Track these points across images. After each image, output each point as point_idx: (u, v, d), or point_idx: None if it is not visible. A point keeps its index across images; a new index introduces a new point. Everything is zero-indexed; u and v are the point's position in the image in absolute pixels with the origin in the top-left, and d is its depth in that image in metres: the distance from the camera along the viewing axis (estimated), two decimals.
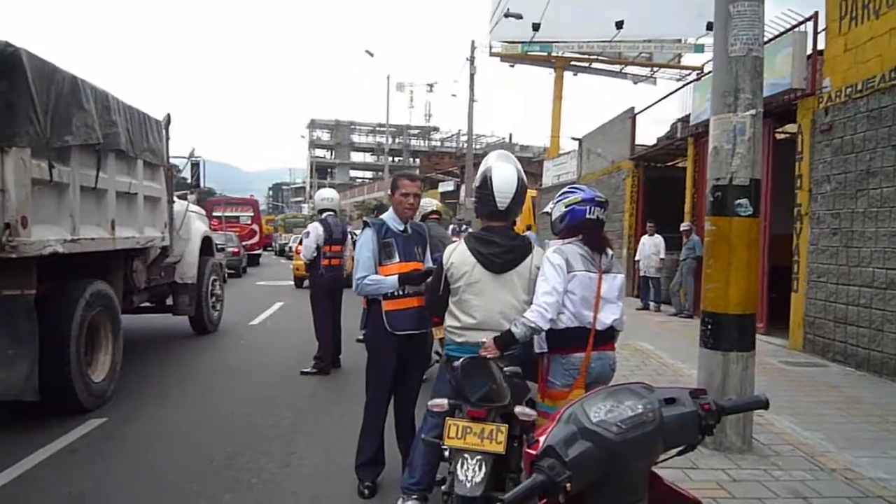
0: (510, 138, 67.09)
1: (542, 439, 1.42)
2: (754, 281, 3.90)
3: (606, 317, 3.12)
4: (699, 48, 28.79)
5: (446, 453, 2.88)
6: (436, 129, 78.66)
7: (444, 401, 2.91)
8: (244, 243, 24.19)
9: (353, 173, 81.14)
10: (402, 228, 3.85)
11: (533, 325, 2.94)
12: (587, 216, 3.18)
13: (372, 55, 34.35)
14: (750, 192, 3.77)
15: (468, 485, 2.64)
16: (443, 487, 2.88)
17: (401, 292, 3.70)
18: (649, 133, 15.35)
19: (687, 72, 28.94)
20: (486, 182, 3.17)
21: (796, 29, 9.00)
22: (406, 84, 65.65)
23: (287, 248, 32.06)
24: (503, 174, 3.18)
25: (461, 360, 2.84)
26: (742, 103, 3.75)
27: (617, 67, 32.12)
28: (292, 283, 17.26)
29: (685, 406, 1.52)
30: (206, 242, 9.70)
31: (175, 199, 8.28)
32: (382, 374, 3.79)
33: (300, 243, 17.63)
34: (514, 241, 3.21)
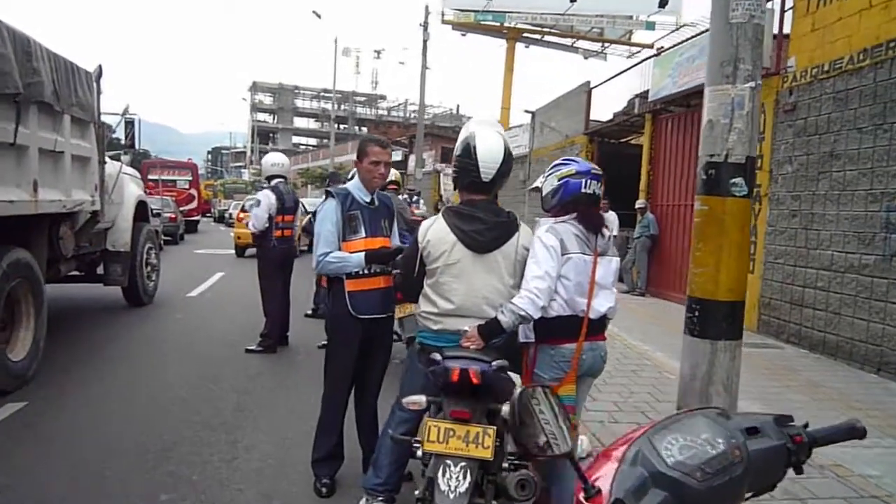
0: (457, 109, 66.59)
1: (604, 487, 1.09)
2: (745, 265, 3.66)
3: (600, 304, 2.82)
4: (650, 25, 28.90)
5: (417, 451, 2.54)
6: (383, 98, 77.54)
7: (422, 398, 2.56)
8: (182, 209, 23.16)
9: (296, 139, 79.23)
10: (368, 200, 3.45)
11: (522, 312, 2.61)
12: (582, 190, 2.86)
13: (319, 17, 33.10)
14: (746, 170, 3.50)
15: (451, 495, 2.31)
16: (416, 493, 2.54)
17: (366, 271, 3.31)
18: (602, 108, 15.18)
19: (637, 49, 29.02)
20: (469, 150, 2.80)
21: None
22: (353, 49, 64.34)
23: (227, 215, 31.00)
24: (488, 142, 2.81)
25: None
26: (741, 74, 3.45)
27: (569, 41, 31.93)
28: (233, 251, 16.53)
29: (772, 438, 1.21)
30: (141, 207, 9.00)
31: (107, 159, 7.59)
32: (344, 362, 3.40)
33: (242, 210, 17.10)
34: (499, 217, 2.85)
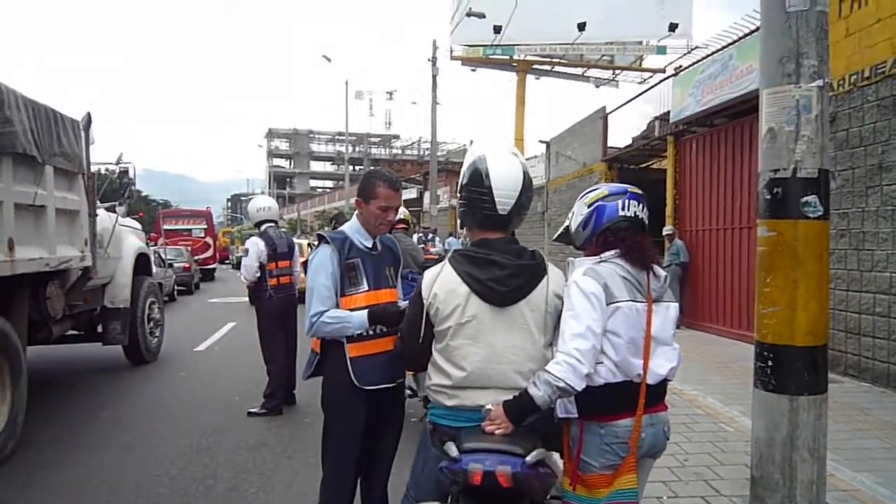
0: (471, 144, 66.53)
1: None
2: (825, 302, 3.02)
3: (660, 365, 2.20)
4: (661, 50, 28.50)
5: None
6: (396, 137, 78.06)
7: None
8: (196, 258, 22.87)
9: (312, 183, 79.88)
10: (370, 245, 2.88)
11: (561, 384, 2.00)
12: (620, 213, 2.26)
13: (329, 60, 33.21)
14: (819, 186, 2.90)
15: None
16: None
17: (370, 332, 2.72)
18: (617, 135, 14.58)
19: (649, 74, 28.60)
20: (479, 177, 2.21)
21: None
22: (365, 92, 64.84)
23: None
24: (505, 167, 2.23)
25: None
26: (806, 72, 2.88)
27: (579, 70, 31.64)
28: (247, 299, 16.03)
29: None
30: (142, 260, 8.54)
31: (101, 211, 7.15)
32: (348, 442, 2.79)
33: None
34: (522, 259, 2.24)
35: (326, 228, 7.37)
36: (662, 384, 2.23)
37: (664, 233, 11.12)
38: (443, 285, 2.21)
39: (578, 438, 2.19)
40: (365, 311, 2.71)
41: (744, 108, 9.21)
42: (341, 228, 2.97)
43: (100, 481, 4.30)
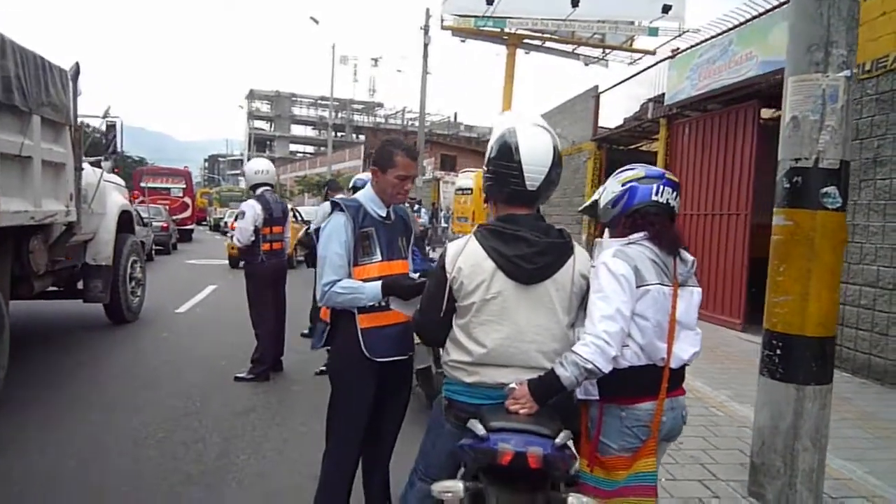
0: (455, 117, 66.07)
1: None
2: (837, 294, 3.03)
3: (683, 350, 2.18)
4: (653, 31, 28.29)
5: None
6: (380, 105, 77.21)
7: (458, 486, 1.92)
8: (175, 217, 22.49)
9: (293, 147, 78.90)
10: (384, 214, 2.81)
11: (590, 365, 1.97)
12: (653, 197, 2.22)
13: (317, 22, 32.55)
14: (840, 177, 2.89)
15: None
16: None
17: (382, 303, 2.66)
18: (606, 115, 14.53)
19: (639, 56, 28.48)
20: (509, 151, 2.15)
21: None
22: (350, 57, 63.89)
23: (222, 224, 30.40)
24: (535, 142, 2.17)
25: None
26: (834, 61, 2.86)
27: (570, 47, 31.37)
28: (227, 262, 15.87)
29: None
30: (125, 217, 8.34)
31: (85, 166, 6.94)
32: (356, 414, 2.75)
33: (236, 219, 16.38)
34: (550, 236, 2.18)
35: (329, 194, 7.19)
36: (682, 368, 2.22)
37: None
38: (468, 260, 2.15)
39: (598, 420, 2.18)
40: (378, 282, 2.65)
41: (739, 95, 9.19)
42: (355, 196, 2.89)
43: (83, 441, 4.23)
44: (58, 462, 3.88)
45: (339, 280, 2.64)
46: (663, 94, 11.32)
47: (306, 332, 7.45)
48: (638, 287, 2.08)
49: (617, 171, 2.34)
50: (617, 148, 14.61)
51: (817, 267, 2.88)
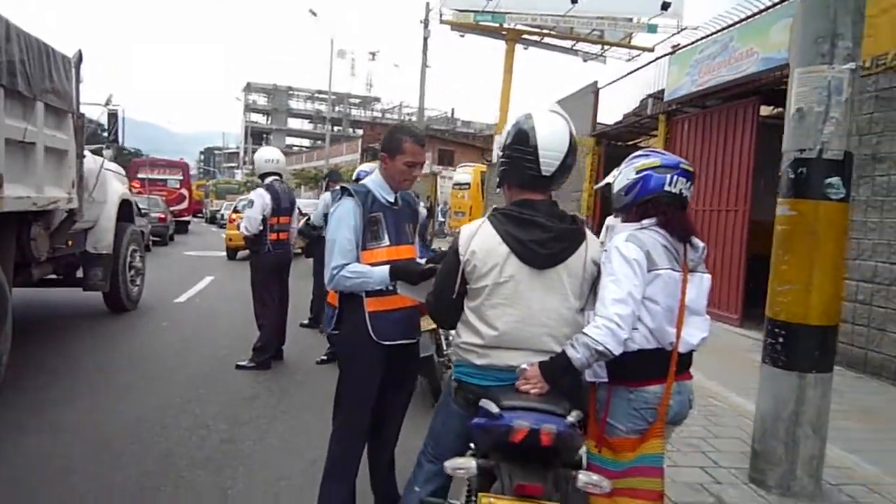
0: (453, 113, 66.00)
1: None
2: (840, 284, 3.08)
3: (692, 335, 2.21)
4: (652, 28, 28.29)
5: None
6: (377, 100, 77.06)
7: (471, 463, 1.95)
8: (172, 209, 22.44)
9: (289, 140, 78.66)
10: (391, 200, 2.84)
11: (601, 347, 2.00)
12: (666, 188, 2.25)
13: (315, 14, 32.47)
14: (844, 168, 2.93)
15: None
16: None
17: (390, 287, 2.69)
18: (604, 111, 14.55)
19: (637, 52, 28.51)
20: (525, 136, 2.17)
21: None
22: (348, 51, 63.71)
23: (219, 216, 30.37)
24: (551, 127, 2.20)
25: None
26: (840, 53, 2.89)
27: (568, 43, 31.37)
28: (224, 254, 15.87)
29: None
30: (126, 206, 8.35)
31: (87, 154, 6.95)
32: (362, 397, 2.78)
33: (234, 211, 16.45)
34: (564, 222, 2.21)
35: (332, 181, 7.23)
36: (690, 353, 2.26)
37: None
38: (482, 243, 2.18)
39: (606, 402, 2.21)
40: (386, 267, 2.67)
41: (738, 92, 9.23)
42: (363, 182, 2.92)
43: (89, 427, 4.25)
44: (63, 447, 3.90)
45: (347, 264, 2.66)
46: (663, 91, 11.35)
47: (306, 322, 7.49)
48: (649, 271, 2.12)
49: (632, 157, 2.37)
50: (615, 144, 14.64)
51: (820, 257, 2.92)
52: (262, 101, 77.77)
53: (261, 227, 5.74)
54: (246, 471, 3.65)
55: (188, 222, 26.65)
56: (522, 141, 2.19)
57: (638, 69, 13.58)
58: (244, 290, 6.19)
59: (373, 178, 2.88)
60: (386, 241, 2.76)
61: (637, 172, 2.28)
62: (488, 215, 2.27)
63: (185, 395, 4.96)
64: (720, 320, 9.38)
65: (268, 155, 6.20)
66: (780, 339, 3.02)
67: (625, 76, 13.79)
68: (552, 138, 2.18)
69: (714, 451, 3.74)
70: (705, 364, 6.28)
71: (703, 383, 5.43)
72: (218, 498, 3.31)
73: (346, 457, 2.83)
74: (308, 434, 4.14)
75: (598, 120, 14.85)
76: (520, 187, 2.26)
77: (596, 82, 14.72)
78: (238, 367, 5.74)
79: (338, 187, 3.30)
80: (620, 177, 2.35)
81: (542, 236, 2.15)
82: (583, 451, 2.20)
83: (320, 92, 66.61)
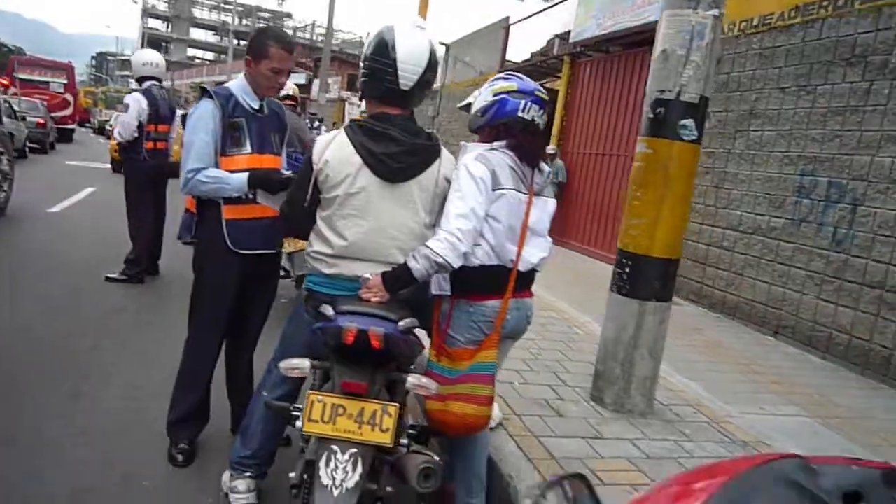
0: (367, 37, 63.93)
1: None
2: (685, 221, 3.30)
3: (532, 254, 2.32)
4: None
5: (297, 422, 2.00)
6: (289, 16, 73.50)
7: (305, 363, 2.00)
8: (53, 115, 20.77)
9: (191, 52, 73.99)
10: (256, 107, 2.75)
11: (440, 259, 2.08)
12: (520, 113, 2.32)
13: None
14: (698, 111, 3.10)
15: (336, 492, 1.78)
16: (291, 476, 2.00)
17: (249, 196, 2.64)
18: (518, 50, 14.63)
19: None
20: (385, 48, 2.17)
21: None
22: None
23: (107, 126, 28.44)
24: (412, 42, 2.19)
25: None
26: (705, 0, 3.00)
27: None
28: (109, 166, 14.98)
29: None
30: None
31: None
32: (216, 306, 2.75)
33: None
34: (419, 138, 2.24)
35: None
36: (531, 272, 2.37)
37: (546, 151, 11.43)
38: (335, 153, 2.18)
39: (448, 315, 2.31)
40: (245, 174, 2.62)
41: (639, 39, 9.42)
42: (226, 85, 2.81)
43: None
44: None
45: (204, 168, 2.58)
46: (569, 32, 11.44)
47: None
48: (494, 190, 2.20)
49: (493, 79, 2.42)
50: None
51: (671, 194, 3.11)
52: (162, 6, 72.39)
53: (136, 135, 5.43)
54: (104, 378, 3.56)
55: (73, 130, 24.81)
56: (383, 53, 2.17)
57: (550, 7, 13.57)
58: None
59: (237, 82, 2.77)
60: (248, 149, 2.68)
61: (494, 95, 2.33)
62: (345, 126, 2.26)
63: (55, 303, 4.74)
64: (598, 259, 9.87)
65: (146, 57, 5.81)
66: (627, 269, 3.22)
67: (533, 15, 13.75)
68: (413, 52, 2.18)
69: (565, 371, 3.99)
70: (575, 297, 6.65)
71: (568, 312, 5.75)
72: (69, 404, 3.22)
73: (198, 366, 2.82)
74: (171, 346, 4.06)
75: (508, 57, 14.84)
76: (378, 100, 2.25)
77: (507, 17, 14.64)
78: (108, 279, 5.53)
79: None
80: (480, 98, 2.39)
81: (395, 150, 2.17)
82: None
83: (227, 2, 62.75)
